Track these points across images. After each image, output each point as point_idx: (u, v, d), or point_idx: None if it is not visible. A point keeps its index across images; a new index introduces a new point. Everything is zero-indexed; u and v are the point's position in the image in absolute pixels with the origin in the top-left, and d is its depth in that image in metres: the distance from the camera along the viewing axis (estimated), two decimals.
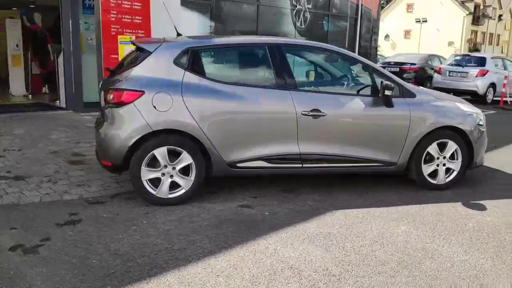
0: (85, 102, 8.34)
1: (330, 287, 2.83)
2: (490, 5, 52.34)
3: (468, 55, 15.43)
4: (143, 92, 3.99)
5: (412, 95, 4.68)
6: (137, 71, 4.10)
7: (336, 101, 4.45)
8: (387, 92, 4.38)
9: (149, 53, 4.16)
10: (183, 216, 3.94)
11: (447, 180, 4.86)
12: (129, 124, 4.01)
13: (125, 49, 7.85)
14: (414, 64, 15.87)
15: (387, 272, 3.05)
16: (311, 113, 4.30)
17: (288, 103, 4.29)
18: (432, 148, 4.73)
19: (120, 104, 4.01)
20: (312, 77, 4.94)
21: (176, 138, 4.08)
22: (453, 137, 4.76)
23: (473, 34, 50.96)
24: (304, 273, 2.99)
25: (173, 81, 4.10)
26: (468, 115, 4.89)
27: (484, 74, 13.94)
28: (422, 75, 15.81)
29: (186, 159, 4.11)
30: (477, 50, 45.54)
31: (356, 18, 13.67)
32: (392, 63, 16.21)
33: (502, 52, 55.52)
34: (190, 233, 3.58)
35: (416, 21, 45.29)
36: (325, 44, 4.89)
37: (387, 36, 45.02)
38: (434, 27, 46.15)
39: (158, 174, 4.11)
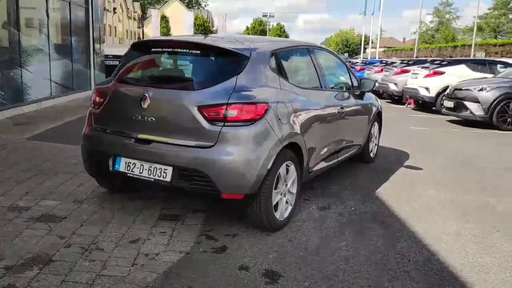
0: None
1: None
2: None
3: None
4: (267, 104, 3.41)
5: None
6: (244, 79, 3.41)
7: (344, 97, 4.99)
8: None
9: (246, 58, 3.50)
10: (326, 232, 3.72)
11: (375, 153, 6.24)
12: (264, 142, 3.34)
13: None
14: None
15: None
16: (341, 110, 4.71)
17: (334, 103, 4.55)
18: (373, 129, 5.98)
19: (250, 121, 3.28)
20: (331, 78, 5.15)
21: (290, 152, 3.69)
22: (378, 119, 6.15)
23: None
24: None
25: (277, 89, 3.66)
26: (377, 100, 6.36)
27: None
28: None
29: (293, 173, 3.80)
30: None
31: (87, 7, 12.68)
32: (110, 56, 15.79)
33: (120, 42, 60.18)
34: (375, 248, 3.46)
35: None
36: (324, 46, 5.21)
37: None
38: None
39: (279, 196, 3.64)
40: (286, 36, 66.00)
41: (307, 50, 4.47)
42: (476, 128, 10.11)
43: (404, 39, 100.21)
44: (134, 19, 70.51)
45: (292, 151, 3.70)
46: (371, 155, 6.07)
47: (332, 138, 4.54)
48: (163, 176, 3.39)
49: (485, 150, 7.70)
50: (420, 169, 5.95)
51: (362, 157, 5.87)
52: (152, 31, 45.67)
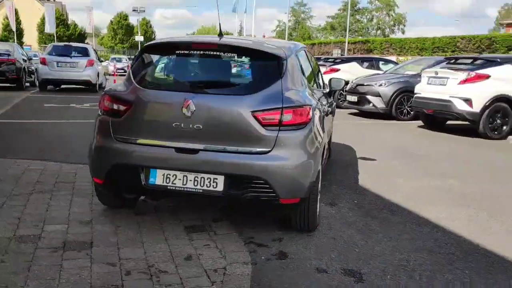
0: None
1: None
2: None
3: (70, 45, 15.46)
4: (311, 106, 3.44)
5: None
6: (287, 82, 3.38)
7: (326, 95, 5.18)
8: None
9: (285, 60, 3.47)
10: (355, 227, 3.89)
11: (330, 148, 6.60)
12: (315, 144, 3.39)
13: None
14: (9, 55, 14.20)
15: None
16: (328, 108, 4.91)
17: (325, 102, 4.73)
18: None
19: (302, 124, 3.28)
20: None
21: None
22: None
23: None
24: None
25: (307, 90, 3.70)
26: None
27: (92, 64, 14.72)
28: (19, 67, 14.44)
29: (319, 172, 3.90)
30: None
31: None
32: None
33: None
34: (409, 236, 3.81)
35: None
36: None
37: None
38: None
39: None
40: (152, 32, 64.40)
41: (304, 51, 4.58)
42: (378, 119, 11.24)
43: (264, 36, 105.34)
44: None
45: None
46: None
47: (327, 135, 4.72)
48: (213, 186, 3.22)
49: (404, 139, 8.68)
50: (374, 160, 6.48)
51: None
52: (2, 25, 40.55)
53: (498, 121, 8.64)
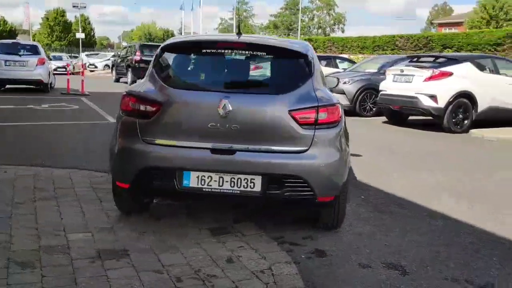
0: None
1: None
2: None
3: (18, 42, 14.52)
4: (340, 104, 3.50)
5: None
6: (316, 81, 3.43)
7: None
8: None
9: (312, 58, 3.51)
10: (372, 223, 4.00)
11: None
12: (346, 142, 3.46)
13: None
14: None
15: None
16: None
17: None
18: None
19: (335, 122, 3.33)
20: None
21: None
22: None
23: None
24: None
25: (326, 88, 3.75)
26: None
27: (43, 63, 13.96)
28: None
29: None
30: None
31: None
32: None
33: None
34: (426, 229, 3.97)
35: None
36: None
37: None
38: None
39: None
40: (92, 28, 61.86)
41: None
42: None
43: (207, 33, 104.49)
44: None
45: None
46: None
47: None
48: (250, 186, 3.18)
49: (377, 134, 9.02)
50: (360, 155, 6.66)
51: None
52: None
53: (460, 115, 9.16)
